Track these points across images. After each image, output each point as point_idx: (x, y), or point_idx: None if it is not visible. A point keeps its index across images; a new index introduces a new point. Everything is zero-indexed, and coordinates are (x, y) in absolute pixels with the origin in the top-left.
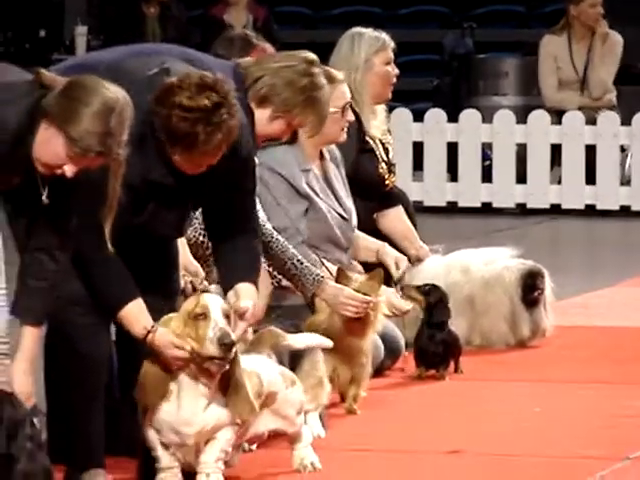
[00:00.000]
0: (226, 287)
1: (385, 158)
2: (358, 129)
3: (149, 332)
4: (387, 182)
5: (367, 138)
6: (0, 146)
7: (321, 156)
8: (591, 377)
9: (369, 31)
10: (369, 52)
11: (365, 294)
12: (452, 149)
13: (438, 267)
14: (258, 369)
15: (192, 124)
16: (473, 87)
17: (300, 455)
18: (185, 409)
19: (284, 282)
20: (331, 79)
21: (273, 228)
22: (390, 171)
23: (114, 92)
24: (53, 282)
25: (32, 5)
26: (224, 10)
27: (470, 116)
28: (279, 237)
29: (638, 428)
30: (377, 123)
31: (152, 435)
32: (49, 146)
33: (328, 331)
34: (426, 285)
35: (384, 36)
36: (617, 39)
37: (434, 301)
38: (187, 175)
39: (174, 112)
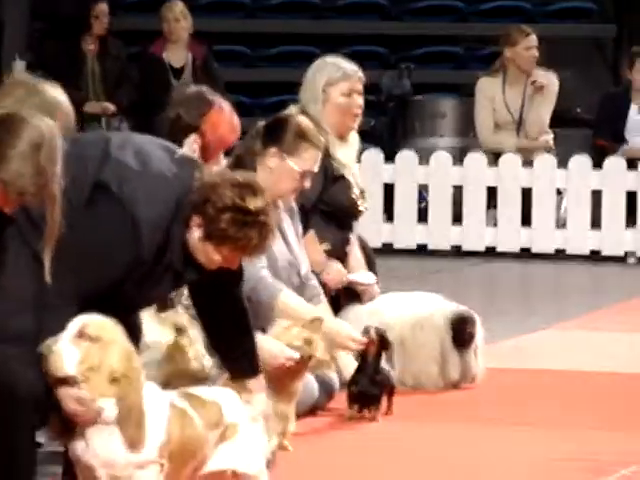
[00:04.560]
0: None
1: (356, 184)
2: (323, 159)
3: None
4: (360, 208)
5: (335, 165)
6: None
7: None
8: (522, 419)
9: (333, 60)
10: (327, 83)
11: (308, 336)
12: (388, 190)
13: (373, 308)
14: (219, 399)
15: (246, 227)
16: (410, 128)
17: None
18: (91, 442)
19: None
20: (310, 140)
21: None
22: (362, 196)
23: (37, 126)
24: None
25: None
26: (163, 48)
27: (407, 157)
28: None
29: (568, 471)
30: (347, 150)
31: (78, 468)
32: None
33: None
34: (367, 328)
35: (346, 66)
36: (553, 81)
37: (379, 343)
38: (202, 267)
39: (226, 214)
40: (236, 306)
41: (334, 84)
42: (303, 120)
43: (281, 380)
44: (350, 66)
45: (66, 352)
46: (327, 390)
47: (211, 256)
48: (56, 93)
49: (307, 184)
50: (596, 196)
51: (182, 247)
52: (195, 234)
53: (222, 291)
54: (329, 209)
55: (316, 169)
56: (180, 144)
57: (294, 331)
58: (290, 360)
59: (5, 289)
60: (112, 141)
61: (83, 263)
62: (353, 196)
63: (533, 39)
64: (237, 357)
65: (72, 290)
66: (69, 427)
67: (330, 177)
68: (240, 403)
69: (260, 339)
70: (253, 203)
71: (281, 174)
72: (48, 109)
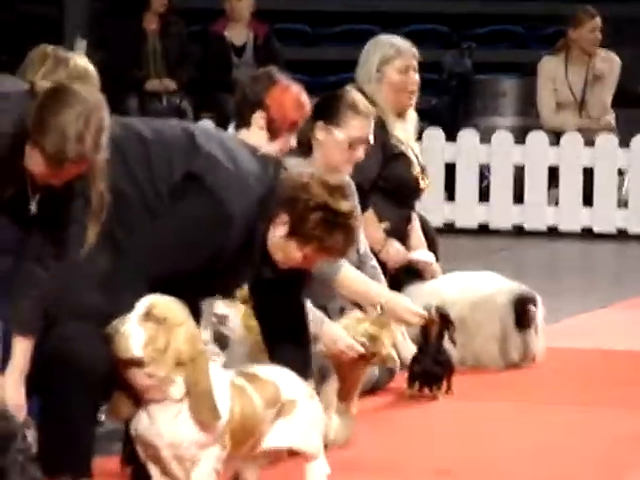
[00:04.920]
0: None
1: (417, 161)
2: (380, 135)
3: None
4: (422, 185)
5: (395, 142)
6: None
7: None
8: (584, 399)
9: (387, 38)
10: (381, 61)
11: (374, 333)
12: (450, 169)
13: (434, 287)
14: (276, 378)
15: (334, 228)
16: (471, 107)
17: None
18: (157, 421)
19: None
20: (354, 108)
21: None
22: (423, 173)
23: (84, 98)
24: (44, 292)
25: (31, 19)
26: (225, 26)
27: (468, 136)
28: None
29: (631, 452)
30: (405, 127)
31: (140, 446)
32: (31, 158)
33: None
34: (428, 306)
35: (400, 43)
36: (616, 62)
37: (441, 322)
38: (278, 267)
39: (315, 214)
40: (297, 311)
41: (389, 62)
42: (348, 92)
43: (341, 367)
44: (404, 43)
45: (133, 334)
46: (388, 370)
47: (292, 254)
48: (84, 62)
49: (360, 154)
50: None
51: (262, 244)
52: (279, 231)
53: (286, 293)
54: (389, 186)
55: (368, 138)
56: (247, 123)
57: (362, 326)
58: (351, 351)
59: (77, 267)
60: (197, 134)
61: (165, 248)
62: (414, 172)
63: (597, 21)
64: (290, 365)
65: (147, 272)
66: (134, 405)
67: (389, 154)
68: (297, 380)
69: (325, 322)
70: (344, 205)
71: (329, 145)
72: (77, 78)
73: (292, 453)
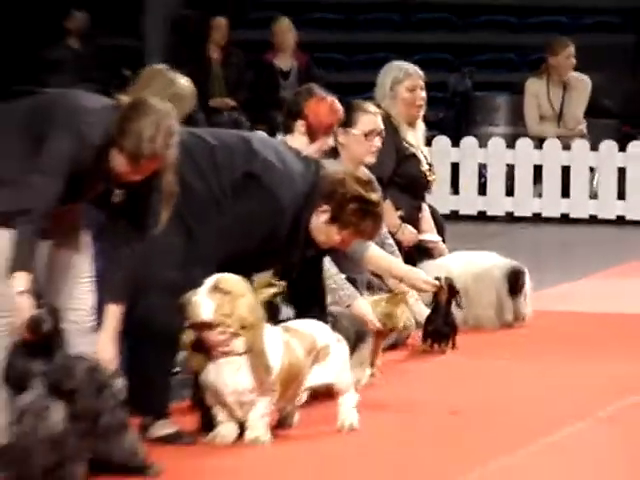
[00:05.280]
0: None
1: (425, 161)
2: (394, 141)
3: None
4: (429, 179)
5: (406, 145)
6: (87, 160)
7: None
8: (564, 352)
9: (397, 64)
10: (393, 82)
11: (389, 312)
12: (455, 168)
13: (441, 264)
14: (311, 330)
15: (367, 215)
16: (471, 119)
17: (343, 415)
18: (223, 373)
19: None
20: (361, 108)
21: None
22: (430, 170)
23: (156, 108)
24: (131, 268)
25: (116, 48)
26: (274, 55)
27: (469, 142)
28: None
29: (604, 393)
30: (415, 134)
31: (208, 392)
32: (115, 160)
33: None
34: (438, 278)
35: (408, 67)
36: (587, 81)
37: (449, 291)
38: (319, 247)
39: (352, 204)
40: (321, 282)
41: (399, 82)
42: (356, 101)
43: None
44: (411, 67)
45: (203, 302)
46: (404, 329)
47: (332, 237)
48: (186, 81)
49: (377, 143)
50: (621, 172)
51: (305, 229)
52: (321, 218)
53: (315, 269)
54: (402, 181)
55: (379, 129)
56: (291, 130)
57: (379, 307)
58: (372, 326)
59: (157, 248)
60: (253, 141)
61: (227, 236)
62: (423, 170)
63: (571, 50)
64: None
65: (215, 253)
66: (203, 360)
67: (402, 155)
68: (328, 328)
69: (358, 298)
70: (374, 196)
71: (350, 143)
72: (180, 96)
73: (329, 390)
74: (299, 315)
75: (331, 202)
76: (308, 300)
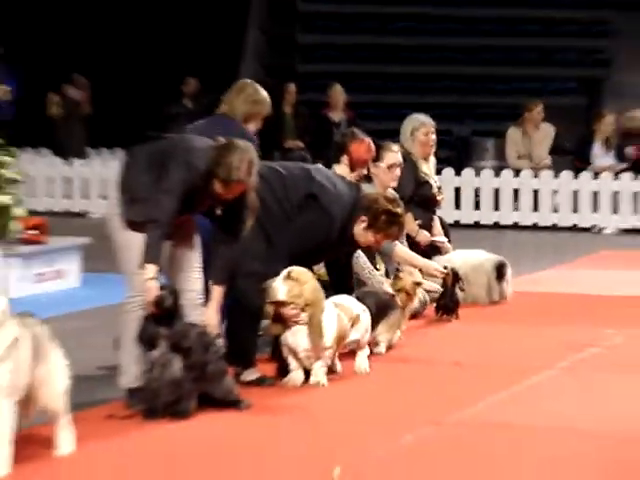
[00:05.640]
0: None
1: (436, 185)
2: (413, 170)
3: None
4: (438, 199)
5: (422, 174)
6: (196, 185)
7: None
8: (537, 320)
9: (416, 115)
10: (413, 129)
11: (400, 287)
12: (457, 191)
13: (448, 258)
14: (350, 304)
15: (393, 224)
16: (469, 156)
17: (359, 362)
18: (297, 336)
19: None
20: (387, 148)
21: None
22: (439, 193)
23: (242, 147)
24: (229, 261)
25: (218, 105)
26: (329, 111)
27: (468, 172)
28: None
29: (566, 345)
30: (428, 166)
31: (285, 349)
32: (215, 185)
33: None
34: (445, 267)
35: (423, 117)
36: (551, 130)
37: (454, 277)
38: (359, 246)
39: (384, 216)
40: (349, 266)
41: (417, 129)
42: (383, 143)
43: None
44: (425, 118)
45: (279, 287)
46: (422, 304)
47: (368, 239)
48: (265, 93)
49: (397, 173)
50: (575, 194)
51: (350, 234)
52: (361, 226)
53: (348, 260)
54: (419, 200)
55: (399, 162)
56: (339, 161)
57: (398, 285)
58: (395, 300)
59: (246, 248)
60: (312, 170)
61: (295, 240)
62: (434, 191)
63: (541, 107)
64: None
65: (287, 253)
66: (282, 327)
67: (419, 181)
68: (358, 303)
69: (383, 282)
70: (399, 210)
71: (379, 173)
72: (261, 101)
73: (357, 344)
74: (336, 292)
75: (368, 214)
76: (342, 282)
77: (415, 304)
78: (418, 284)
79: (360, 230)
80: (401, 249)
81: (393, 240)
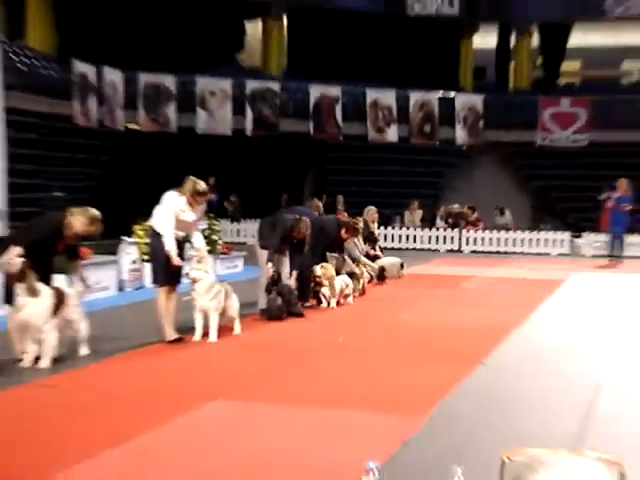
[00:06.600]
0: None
1: (377, 232)
2: (367, 226)
3: None
4: (377, 238)
5: (372, 230)
6: (288, 234)
7: None
8: (423, 291)
9: (370, 207)
10: (368, 213)
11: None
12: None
13: (381, 260)
14: (344, 278)
15: (356, 230)
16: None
17: (349, 301)
18: (324, 290)
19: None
20: (368, 211)
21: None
22: (377, 236)
23: (303, 219)
24: (300, 260)
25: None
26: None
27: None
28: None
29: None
30: (374, 226)
31: (320, 295)
32: (295, 234)
33: None
34: (379, 263)
35: (372, 207)
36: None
37: (382, 268)
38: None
39: (355, 230)
40: (342, 250)
41: (368, 212)
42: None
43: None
44: (372, 207)
45: (317, 270)
46: (370, 277)
47: (345, 237)
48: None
49: (361, 223)
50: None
51: (340, 237)
52: (344, 234)
53: (340, 247)
54: (367, 240)
55: (372, 218)
56: (336, 212)
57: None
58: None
59: (306, 257)
60: (319, 217)
61: (320, 247)
62: (376, 235)
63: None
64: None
65: (319, 254)
66: (320, 286)
67: (370, 231)
68: (347, 277)
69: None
70: (359, 225)
71: (367, 219)
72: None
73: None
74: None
75: (347, 228)
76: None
77: (366, 275)
78: (365, 266)
79: (343, 234)
80: (360, 255)
81: (355, 237)
